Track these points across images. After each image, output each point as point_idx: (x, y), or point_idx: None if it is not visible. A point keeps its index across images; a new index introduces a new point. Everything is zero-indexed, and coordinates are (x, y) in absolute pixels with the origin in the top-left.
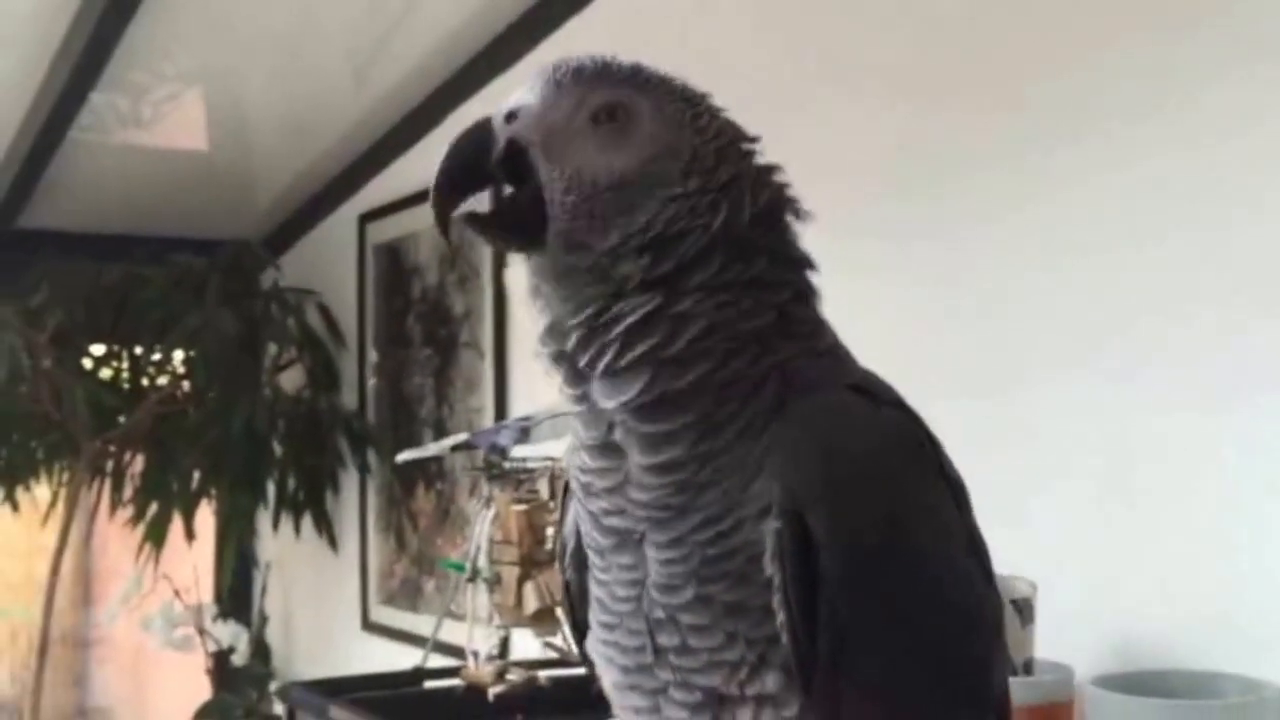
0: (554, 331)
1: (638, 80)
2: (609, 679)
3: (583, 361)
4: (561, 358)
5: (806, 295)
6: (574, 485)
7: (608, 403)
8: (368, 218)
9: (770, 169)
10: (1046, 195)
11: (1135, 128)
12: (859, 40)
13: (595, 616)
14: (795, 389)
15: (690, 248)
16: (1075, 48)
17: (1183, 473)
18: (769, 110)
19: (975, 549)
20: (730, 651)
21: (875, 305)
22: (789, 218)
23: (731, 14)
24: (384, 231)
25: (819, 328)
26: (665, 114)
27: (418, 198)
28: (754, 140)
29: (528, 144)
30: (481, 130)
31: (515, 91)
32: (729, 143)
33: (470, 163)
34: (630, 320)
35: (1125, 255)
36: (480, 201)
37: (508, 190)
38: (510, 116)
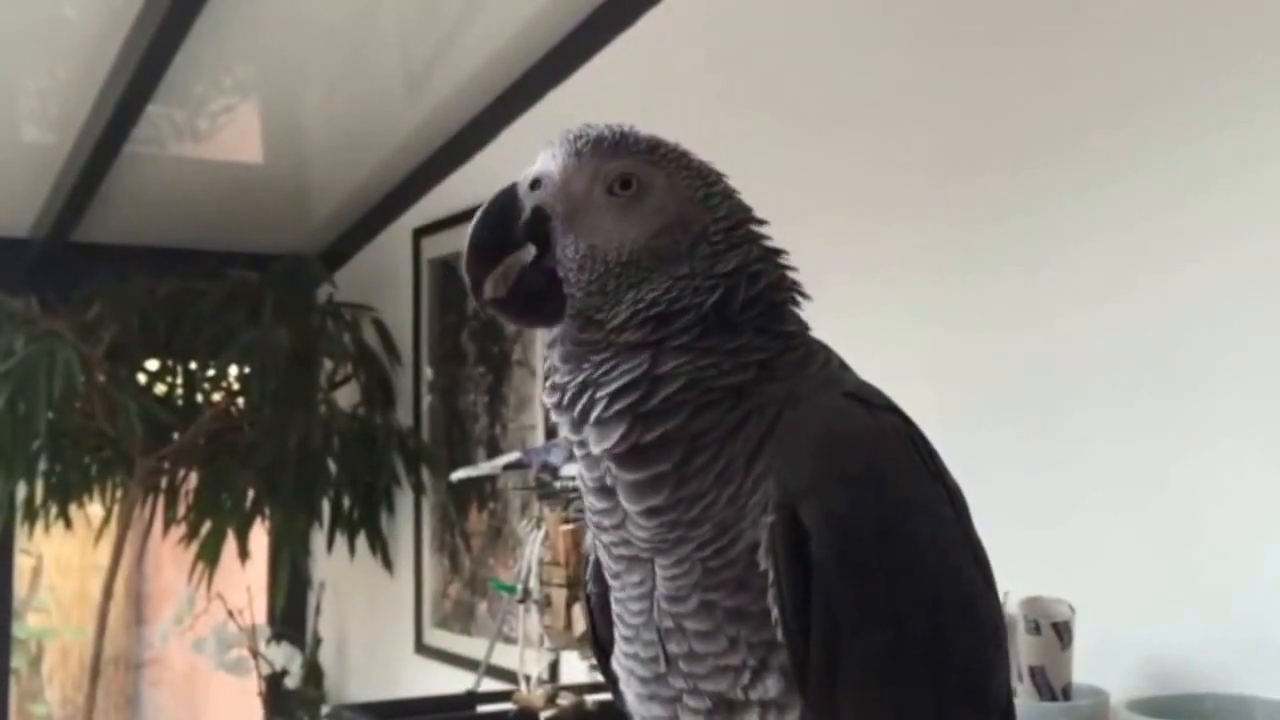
0: (556, 386)
1: (655, 154)
2: (631, 691)
3: (576, 413)
4: (561, 408)
5: (792, 350)
6: (588, 519)
7: (596, 449)
8: (422, 232)
9: (775, 253)
10: (1094, 228)
11: (1182, 159)
12: (905, 73)
13: (617, 632)
14: (789, 402)
15: (683, 322)
16: (1132, 82)
17: (1219, 499)
18: (815, 143)
19: (973, 553)
20: (733, 656)
21: (926, 335)
22: (787, 302)
23: (778, 43)
24: (439, 246)
25: (806, 362)
26: (678, 187)
27: (472, 213)
28: (763, 223)
29: (552, 214)
30: (508, 197)
31: (539, 157)
32: (737, 224)
33: (499, 231)
34: (617, 385)
35: (1170, 285)
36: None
37: (527, 258)
38: (535, 184)
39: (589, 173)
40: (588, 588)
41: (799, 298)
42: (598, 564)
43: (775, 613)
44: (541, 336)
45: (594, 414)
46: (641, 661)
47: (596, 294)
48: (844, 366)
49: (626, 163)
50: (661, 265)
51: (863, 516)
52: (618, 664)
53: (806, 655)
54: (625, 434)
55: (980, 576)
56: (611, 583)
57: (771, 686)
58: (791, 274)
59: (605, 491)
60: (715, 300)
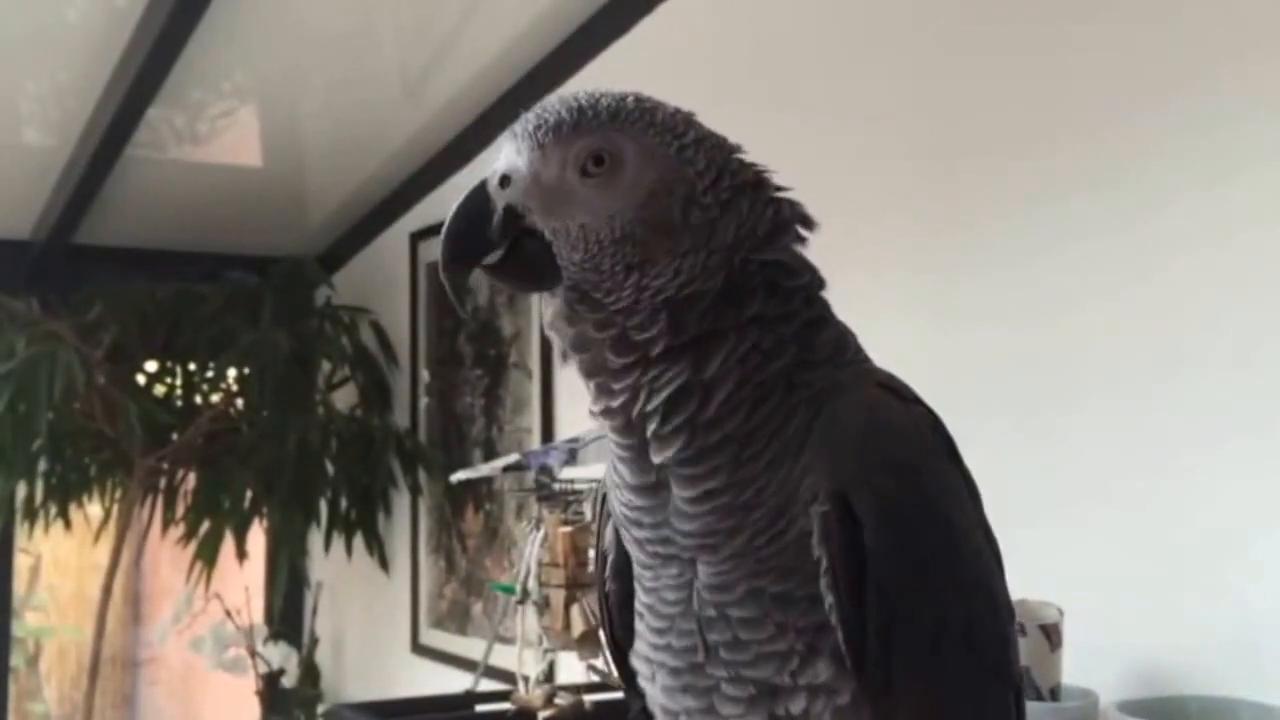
0: (599, 391)
1: (618, 121)
2: (659, 684)
3: (634, 418)
4: (609, 413)
5: (821, 317)
6: (618, 516)
7: (656, 458)
8: (419, 236)
9: (765, 185)
10: (1086, 229)
11: (1177, 160)
12: (897, 78)
13: (644, 624)
14: (830, 393)
15: (704, 311)
16: (1127, 83)
17: (1207, 502)
18: (810, 145)
19: (989, 541)
20: (780, 642)
21: (916, 334)
22: (792, 242)
23: (771, 48)
24: (436, 250)
25: (840, 345)
26: (650, 149)
27: None
28: (741, 151)
29: (525, 210)
30: (479, 197)
31: (503, 150)
32: (719, 175)
33: (472, 231)
34: (667, 393)
35: (1162, 287)
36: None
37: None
38: (504, 180)
39: (557, 160)
40: (605, 585)
41: (804, 231)
42: (617, 561)
43: (830, 599)
44: (538, 339)
45: (650, 429)
46: (675, 652)
47: (591, 270)
48: (844, 342)
49: (592, 140)
50: (657, 238)
51: (910, 504)
52: (639, 659)
53: (863, 639)
54: (686, 443)
55: (994, 560)
56: (642, 574)
57: (822, 670)
58: (789, 199)
59: (650, 490)
60: (724, 275)
